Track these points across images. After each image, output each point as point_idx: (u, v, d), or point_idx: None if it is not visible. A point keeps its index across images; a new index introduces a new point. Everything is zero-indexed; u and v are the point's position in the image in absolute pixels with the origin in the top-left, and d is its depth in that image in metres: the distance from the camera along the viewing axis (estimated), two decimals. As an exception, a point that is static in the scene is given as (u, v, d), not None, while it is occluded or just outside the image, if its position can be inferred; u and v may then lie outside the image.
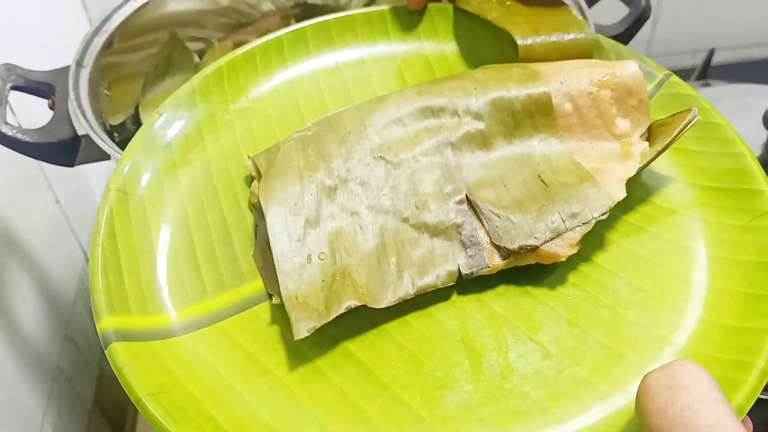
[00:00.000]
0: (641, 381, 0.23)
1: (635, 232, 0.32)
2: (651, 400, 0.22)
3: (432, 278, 0.30)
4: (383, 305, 0.29)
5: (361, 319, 0.29)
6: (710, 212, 0.32)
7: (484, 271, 0.30)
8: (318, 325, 0.28)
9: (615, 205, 0.31)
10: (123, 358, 0.27)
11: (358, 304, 0.28)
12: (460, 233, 0.31)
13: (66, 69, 0.48)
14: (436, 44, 0.41)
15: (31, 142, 0.44)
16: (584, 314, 0.29)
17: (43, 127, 0.45)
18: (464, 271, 0.30)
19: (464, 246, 0.30)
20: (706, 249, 0.31)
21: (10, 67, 0.47)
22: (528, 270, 0.31)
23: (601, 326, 0.29)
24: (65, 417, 0.62)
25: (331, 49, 0.40)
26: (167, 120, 0.36)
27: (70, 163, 0.46)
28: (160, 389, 0.27)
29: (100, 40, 0.49)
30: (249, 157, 0.34)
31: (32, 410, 0.58)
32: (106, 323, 0.28)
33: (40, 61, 0.51)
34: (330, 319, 0.28)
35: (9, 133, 0.44)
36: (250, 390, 0.28)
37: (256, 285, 0.31)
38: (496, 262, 0.30)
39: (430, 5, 0.41)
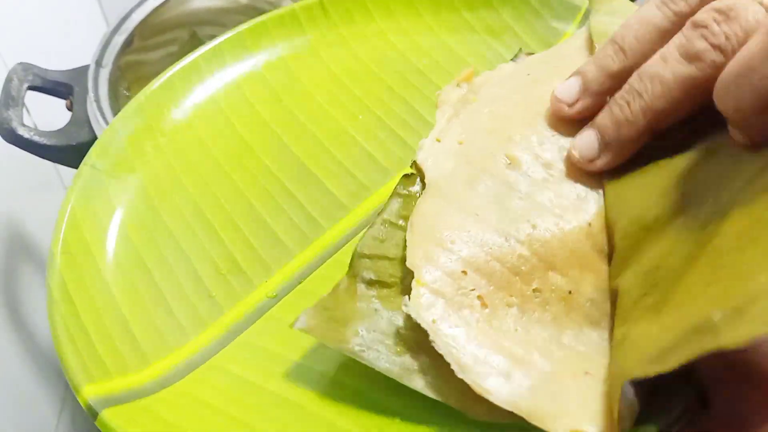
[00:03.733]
0: None
1: None
2: None
3: None
4: None
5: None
6: None
7: None
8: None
9: None
10: (116, 424, 0.25)
11: None
12: None
13: (84, 69, 0.46)
14: (355, 28, 0.41)
15: (48, 145, 0.43)
16: None
17: (61, 129, 0.44)
18: None
19: None
20: None
21: (27, 67, 0.46)
22: None
23: None
24: (79, 422, 0.61)
25: (249, 56, 0.39)
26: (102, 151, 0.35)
27: (88, 167, 0.44)
28: None
29: (119, 39, 0.48)
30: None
31: (47, 416, 0.57)
32: (88, 393, 0.26)
33: (53, 61, 0.50)
34: None
35: (26, 135, 0.42)
36: (260, 418, 0.26)
37: (236, 313, 0.30)
38: None
39: None
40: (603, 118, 0.27)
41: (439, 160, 0.29)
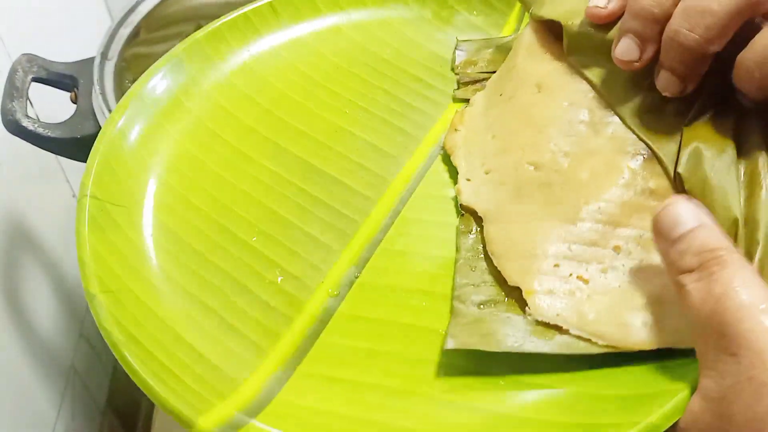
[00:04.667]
0: None
1: None
2: None
3: None
4: None
5: None
6: None
7: None
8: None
9: None
10: None
11: None
12: None
13: (88, 61, 0.46)
14: (307, 24, 0.42)
15: (52, 137, 0.42)
16: None
17: (65, 121, 0.43)
18: None
19: None
20: None
21: (32, 58, 0.45)
22: None
23: None
24: (79, 417, 0.61)
25: (211, 65, 0.39)
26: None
27: (92, 160, 0.44)
28: None
29: (125, 32, 0.47)
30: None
31: (46, 410, 0.56)
32: (207, 424, 0.26)
33: (57, 53, 0.50)
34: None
35: (30, 127, 0.42)
36: (375, 412, 0.27)
37: (305, 318, 0.30)
38: None
39: None
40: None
41: (480, 194, 0.32)
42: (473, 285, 0.30)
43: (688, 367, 0.26)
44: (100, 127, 0.42)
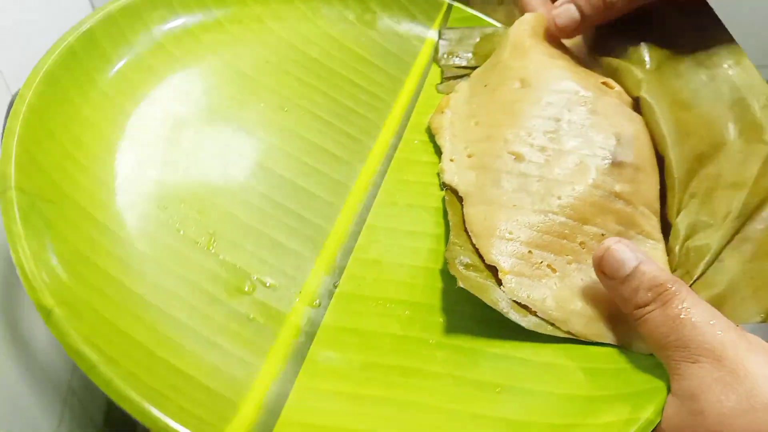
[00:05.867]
0: None
1: None
2: None
3: None
4: None
5: None
6: None
7: None
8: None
9: None
10: None
11: None
12: None
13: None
14: (230, 11, 0.39)
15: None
16: None
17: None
18: None
19: None
20: None
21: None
22: None
23: None
24: (76, 437, 0.62)
25: (127, 45, 0.35)
26: None
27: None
28: None
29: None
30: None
31: (43, 429, 0.57)
32: None
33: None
34: None
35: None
36: (387, 423, 0.27)
37: (290, 333, 0.29)
38: None
39: None
40: None
41: (462, 176, 0.35)
42: (460, 247, 0.31)
43: (657, 370, 0.29)
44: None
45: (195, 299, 0.28)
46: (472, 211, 0.33)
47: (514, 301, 0.31)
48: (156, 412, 0.23)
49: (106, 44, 0.34)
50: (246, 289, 0.29)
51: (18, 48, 0.57)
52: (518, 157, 0.34)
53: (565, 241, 0.32)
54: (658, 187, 0.35)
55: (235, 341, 0.27)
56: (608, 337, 0.30)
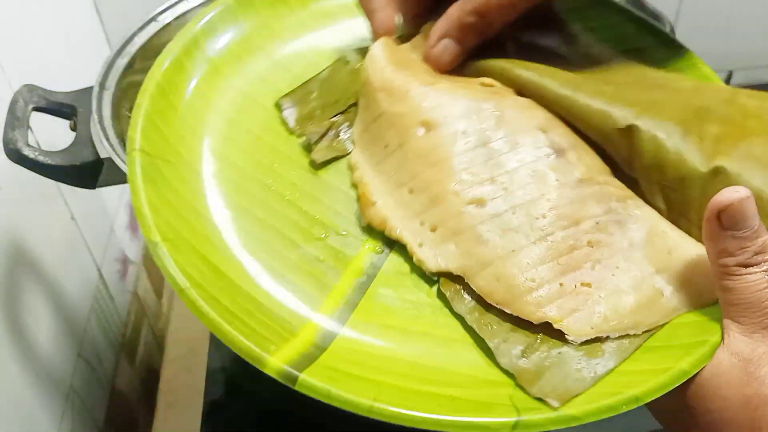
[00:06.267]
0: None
1: None
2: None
3: None
4: None
5: None
6: None
7: None
8: None
9: None
10: (322, 381, 0.27)
11: None
12: None
13: (87, 90, 0.48)
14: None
15: (53, 165, 0.44)
16: None
17: (65, 149, 0.45)
18: None
19: None
20: None
21: (32, 88, 0.47)
22: None
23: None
24: (78, 436, 0.62)
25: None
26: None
27: (91, 186, 0.46)
28: (377, 392, 0.27)
29: (122, 62, 0.49)
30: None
31: (45, 430, 0.57)
32: (275, 365, 0.27)
33: (58, 83, 0.51)
34: None
35: (31, 155, 0.43)
36: (428, 358, 0.29)
37: (354, 273, 0.32)
38: None
39: None
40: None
41: (444, 255, 0.32)
42: (503, 340, 0.29)
43: (709, 324, 0.29)
44: (98, 155, 0.44)
45: (275, 242, 0.32)
46: (482, 283, 0.30)
47: (585, 342, 0.29)
48: (228, 328, 0.28)
49: (219, 25, 0.38)
50: (318, 236, 0.33)
51: (20, 44, 0.57)
52: (479, 203, 0.31)
53: (576, 252, 0.30)
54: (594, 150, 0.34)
55: (305, 278, 0.31)
56: (673, 309, 0.30)
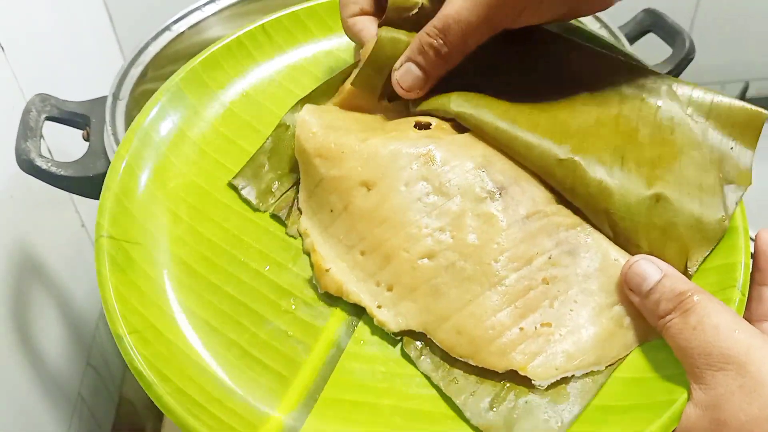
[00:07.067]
0: None
1: None
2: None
3: None
4: None
5: None
6: None
7: None
8: None
9: None
10: None
11: None
12: None
13: (100, 100, 0.47)
14: (298, 48, 0.41)
15: (65, 176, 0.44)
16: None
17: (77, 160, 0.45)
18: None
19: None
20: None
21: (45, 98, 0.46)
22: None
23: None
24: (85, 445, 0.62)
25: (211, 93, 0.38)
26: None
27: (103, 197, 0.45)
28: None
29: (136, 72, 0.49)
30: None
31: (53, 439, 0.57)
32: None
33: (71, 92, 0.51)
34: None
35: (44, 166, 0.43)
36: (407, 412, 0.29)
37: (326, 340, 0.31)
38: None
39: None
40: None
41: (404, 313, 0.32)
42: (471, 394, 0.30)
43: (678, 379, 0.29)
44: (111, 166, 0.44)
45: (244, 318, 0.31)
46: (443, 336, 0.30)
47: (551, 385, 0.29)
48: (195, 423, 0.28)
49: (195, 101, 0.37)
50: (287, 308, 0.32)
51: (33, 53, 0.56)
52: (430, 256, 0.31)
53: (532, 292, 0.30)
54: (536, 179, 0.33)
55: (274, 356, 0.31)
56: (633, 341, 0.30)
